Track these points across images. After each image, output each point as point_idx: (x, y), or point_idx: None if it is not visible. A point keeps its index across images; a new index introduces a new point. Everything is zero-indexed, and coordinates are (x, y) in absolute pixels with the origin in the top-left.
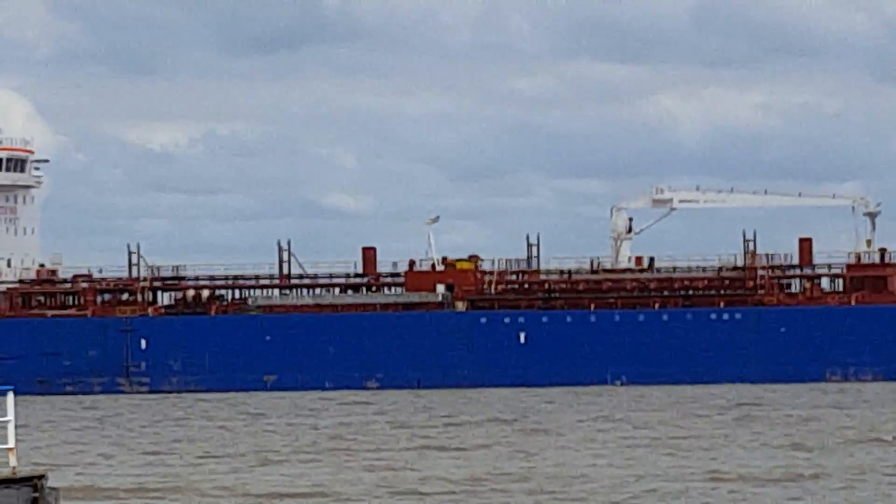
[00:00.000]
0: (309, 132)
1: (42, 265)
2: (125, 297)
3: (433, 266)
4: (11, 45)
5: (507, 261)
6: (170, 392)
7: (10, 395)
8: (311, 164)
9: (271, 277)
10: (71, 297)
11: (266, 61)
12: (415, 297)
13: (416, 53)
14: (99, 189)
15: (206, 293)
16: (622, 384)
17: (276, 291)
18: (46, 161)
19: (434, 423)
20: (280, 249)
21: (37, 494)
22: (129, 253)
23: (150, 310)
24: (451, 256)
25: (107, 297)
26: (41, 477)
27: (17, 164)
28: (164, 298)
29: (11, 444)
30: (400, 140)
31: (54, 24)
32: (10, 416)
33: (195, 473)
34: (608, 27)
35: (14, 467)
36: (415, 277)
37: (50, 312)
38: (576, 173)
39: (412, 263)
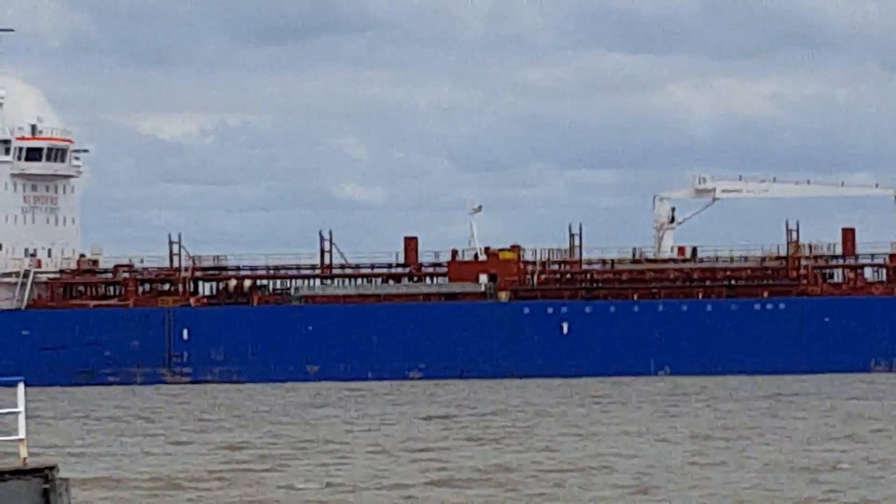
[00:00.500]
0: (321, 123)
1: (82, 255)
2: (166, 287)
3: (476, 256)
4: (23, 35)
5: (549, 251)
6: (212, 382)
7: (21, 386)
8: (322, 156)
9: (313, 268)
10: (112, 288)
11: (278, 52)
12: (457, 287)
13: (429, 45)
14: (110, 180)
15: (247, 283)
16: (666, 374)
17: (318, 281)
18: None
19: (470, 413)
20: (322, 239)
21: (47, 485)
22: (171, 243)
23: (192, 300)
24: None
25: (147, 287)
26: (52, 468)
27: (58, 154)
28: (206, 289)
29: (22, 434)
30: (412, 131)
31: (66, 14)
32: (21, 407)
33: (224, 463)
34: (620, 18)
35: (24, 458)
36: (458, 267)
37: (92, 303)
38: (588, 164)
39: (455, 253)
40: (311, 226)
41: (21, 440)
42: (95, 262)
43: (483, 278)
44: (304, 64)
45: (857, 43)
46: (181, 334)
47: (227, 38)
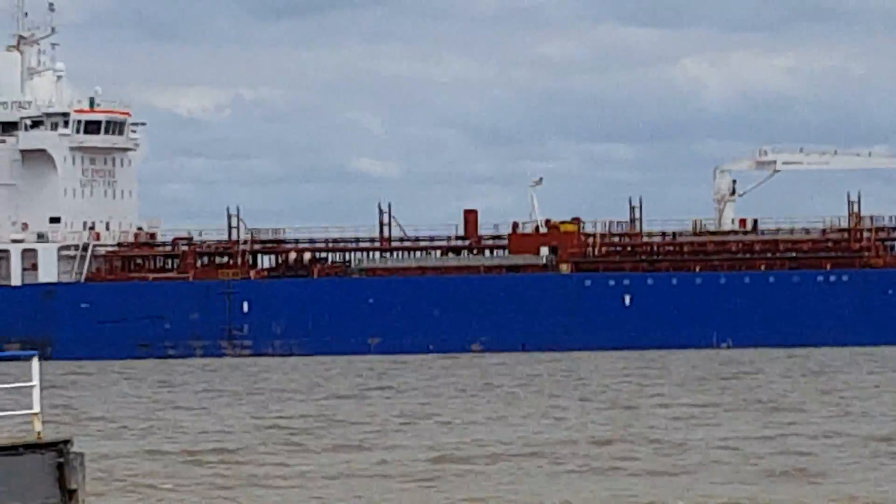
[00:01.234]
0: (335, 97)
1: (139, 228)
2: (225, 259)
3: (536, 228)
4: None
5: (609, 223)
6: (273, 355)
7: (35, 361)
8: (337, 129)
9: (372, 240)
10: (171, 261)
11: (293, 26)
12: (518, 260)
13: (443, 18)
14: None
15: (307, 256)
16: (728, 346)
17: (378, 254)
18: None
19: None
20: (381, 212)
21: (62, 459)
22: (229, 216)
23: (251, 273)
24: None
25: (206, 260)
26: (66, 441)
27: (116, 127)
28: (264, 261)
29: (36, 408)
30: (426, 105)
31: None
32: (35, 381)
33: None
34: None
35: (39, 432)
36: (518, 240)
37: (151, 275)
38: (602, 138)
39: (515, 226)
40: (326, 199)
41: (36, 414)
42: (153, 235)
43: (544, 251)
44: (320, 38)
45: (873, 16)
46: (241, 307)
47: (242, 12)
